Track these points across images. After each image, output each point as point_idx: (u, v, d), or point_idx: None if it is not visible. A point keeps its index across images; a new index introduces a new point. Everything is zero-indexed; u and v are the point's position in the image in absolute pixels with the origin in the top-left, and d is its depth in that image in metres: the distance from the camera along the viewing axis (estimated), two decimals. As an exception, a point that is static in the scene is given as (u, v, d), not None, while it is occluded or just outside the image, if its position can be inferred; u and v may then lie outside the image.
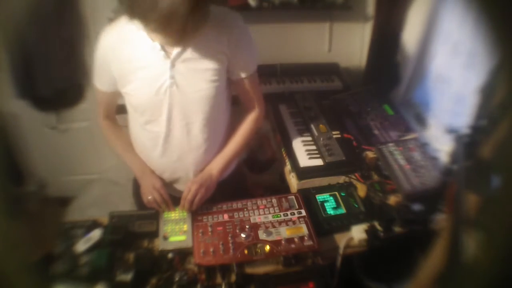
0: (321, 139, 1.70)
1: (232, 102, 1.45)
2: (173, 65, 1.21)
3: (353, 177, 1.57)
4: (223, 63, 1.26)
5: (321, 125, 1.78)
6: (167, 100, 1.25)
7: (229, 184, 1.50)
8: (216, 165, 1.39)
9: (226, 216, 1.34)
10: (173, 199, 1.38)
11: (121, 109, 1.45)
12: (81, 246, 1.22)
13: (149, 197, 1.34)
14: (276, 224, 1.30)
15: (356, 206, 1.43)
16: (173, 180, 1.44)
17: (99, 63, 1.28)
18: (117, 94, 1.35)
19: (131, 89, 1.26)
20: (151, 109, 1.28)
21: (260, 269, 1.22)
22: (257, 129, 1.48)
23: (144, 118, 1.31)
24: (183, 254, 1.24)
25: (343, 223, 1.36)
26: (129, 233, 1.30)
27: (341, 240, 1.31)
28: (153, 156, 1.39)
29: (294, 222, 1.31)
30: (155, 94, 1.24)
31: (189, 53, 1.21)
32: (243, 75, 1.32)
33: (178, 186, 1.46)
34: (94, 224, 1.31)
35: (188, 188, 1.33)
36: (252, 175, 2.70)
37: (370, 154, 1.63)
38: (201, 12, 1.01)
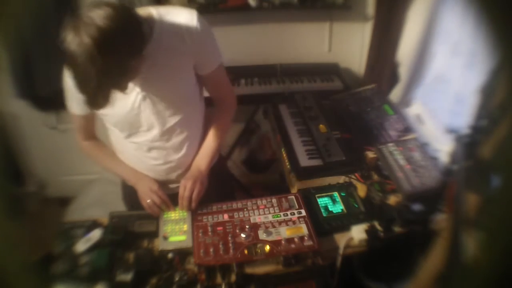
0: (321, 139, 1.70)
1: (206, 103, 1.46)
2: (141, 80, 1.20)
3: (353, 177, 1.57)
4: (189, 63, 1.26)
5: (321, 125, 1.78)
6: (143, 112, 1.25)
7: (212, 173, 1.49)
8: (202, 160, 1.40)
9: (226, 216, 1.34)
10: (169, 197, 1.38)
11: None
12: (81, 246, 1.22)
13: (148, 201, 1.34)
14: (276, 224, 1.30)
15: (356, 206, 1.43)
16: (163, 181, 1.44)
17: (70, 88, 1.23)
18: (92, 115, 1.34)
19: (106, 110, 1.23)
20: (129, 124, 1.29)
21: (260, 269, 1.22)
22: (232, 118, 1.48)
23: (125, 133, 1.33)
24: (183, 254, 1.24)
25: (343, 223, 1.36)
26: (129, 233, 1.30)
27: (341, 240, 1.31)
28: (140, 163, 1.40)
29: (294, 222, 1.31)
30: (130, 110, 1.24)
31: (154, 66, 1.18)
32: (210, 69, 1.31)
33: (170, 186, 1.47)
34: (94, 224, 1.32)
35: (183, 186, 1.33)
36: (252, 175, 2.71)
37: (370, 154, 1.63)
38: (131, 74, 1.03)
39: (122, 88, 1.07)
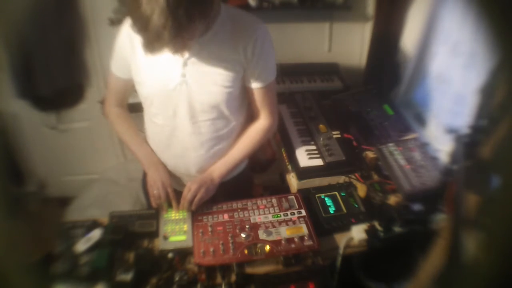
0: (321, 139, 1.70)
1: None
2: (185, 63, 1.22)
3: (353, 177, 1.57)
4: (237, 71, 1.25)
5: (321, 125, 1.78)
6: (175, 96, 1.25)
7: (234, 185, 1.50)
8: (218, 169, 1.39)
9: (226, 216, 1.34)
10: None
11: (132, 108, 1.46)
12: (81, 246, 1.22)
13: (155, 192, 1.34)
14: (276, 224, 1.30)
15: (356, 206, 1.43)
16: (174, 174, 1.44)
17: (118, 48, 1.29)
18: (131, 83, 1.35)
19: (142, 79, 1.27)
20: (158, 102, 1.29)
21: (260, 269, 1.22)
22: (266, 139, 1.47)
23: (152, 110, 1.33)
24: (183, 254, 1.24)
25: (343, 223, 1.36)
26: (129, 233, 1.30)
27: (341, 240, 1.31)
28: (158, 148, 1.41)
29: (294, 222, 1.31)
30: (164, 88, 1.24)
31: (202, 55, 1.21)
32: (259, 84, 1.31)
33: (179, 181, 1.47)
34: (94, 224, 1.31)
35: (188, 187, 1.33)
36: (252, 175, 2.70)
37: (370, 154, 1.63)
38: (189, 30, 1.01)
39: (177, 46, 1.05)
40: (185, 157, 1.38)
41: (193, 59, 1.21)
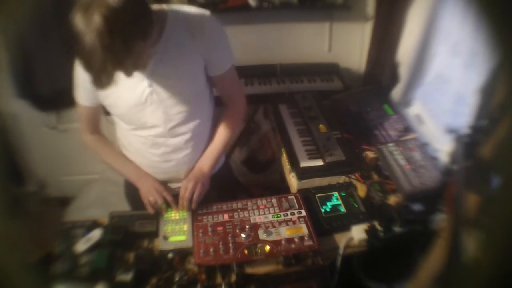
0: (321, 139, 1.70)
1: (216, 102, 1.46)
2: (149, 74, 1.21)
3: (353, 177, 1.57)
4: (199, 63, 1.26)
5: (321, 125, 1.78)
6: (149, 107, 1.26)
7: (217, 176, 1.51)
8: (206, 161, 1.41)
9: (226, 216, 1.34)
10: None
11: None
12: (81, 246, 1.23)
13: (151, 198, 1.35)
14: (276, 224, 1.30)
15: (356, 206, 1.43)
16: (165, 179, 1.45)
17: (80, 78, 1.27)
18: (100, 108, 1.36)
19: (112, 101, 1.27)
20: (135, 117, 1.29)
21: (260, 269, 1.22)
22: (242, 122, 1.48)
23: (130, 126, 1.34)
24: (183, 254, 1.24)
25: (343, 223, 1.36)
26: (129, 233, 1.30)
27: (341, 240, 1.31)
28: (143, 158, 1.41)
29: (294, 222, 1.31)
30: (136, 103, 1.25)
31: (163, 60, 1.20)
32: (220, 71, 1.32)
33: (171, 185, 1.47)
34: (94, 224, 1.32)
35: (184, 187, 1.34)
36: (252, 175, 2.71)
37: (370, 154, 1.63)
38: (133, 54, 1.00)
39: (127, 70, 1.06)
40: (173, 160, 1.39)
41: (154, 68, 1.20)
